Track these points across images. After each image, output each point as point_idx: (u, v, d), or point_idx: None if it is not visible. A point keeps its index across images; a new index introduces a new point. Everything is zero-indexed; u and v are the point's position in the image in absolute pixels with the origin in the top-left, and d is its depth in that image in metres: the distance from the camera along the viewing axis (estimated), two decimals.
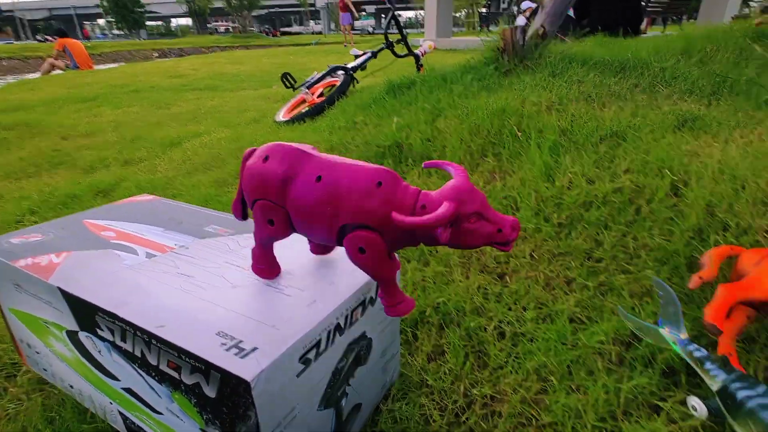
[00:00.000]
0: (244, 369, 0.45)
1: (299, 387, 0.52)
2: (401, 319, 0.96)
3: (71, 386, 0.79)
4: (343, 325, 0.58)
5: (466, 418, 0.75)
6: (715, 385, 0.68)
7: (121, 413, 0.72)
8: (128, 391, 0.67)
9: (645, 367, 0.79)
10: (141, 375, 0.61)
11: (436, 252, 1.15)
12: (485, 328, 0.92)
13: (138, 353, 0.57)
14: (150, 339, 0.53)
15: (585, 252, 1.05)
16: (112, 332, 0.59)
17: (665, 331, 0.77)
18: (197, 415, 0.55)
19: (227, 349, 0.48)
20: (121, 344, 0.59)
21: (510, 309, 0.96)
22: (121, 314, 0.56)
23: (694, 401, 0.70)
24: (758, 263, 0.76)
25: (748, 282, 0.74)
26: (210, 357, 0.48)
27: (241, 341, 0.50)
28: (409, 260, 1.14)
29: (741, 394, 0.64)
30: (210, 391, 0.50)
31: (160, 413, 0.63)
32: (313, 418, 0.57)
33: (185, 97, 4.32)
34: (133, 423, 0.71)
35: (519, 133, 1.52)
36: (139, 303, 0.59)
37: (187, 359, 0.50)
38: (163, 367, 0.55)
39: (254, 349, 0.48)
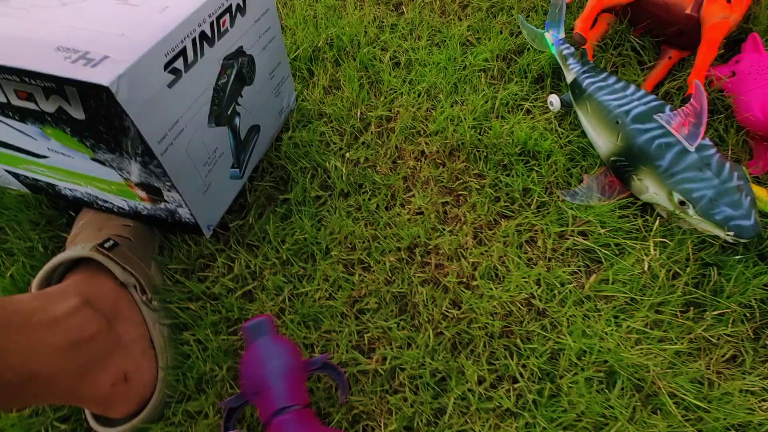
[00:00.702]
0: (98, 76, 0.43)
1: (176, 98, 0.51)
2: (296, 56, 0.93)
3: None
4: (210, 34, 0.54)
5: (364, 139, 0.83)
6: (570, 77, 0.78)
7: (9, 171, 0.70)
8: (3, 145, 0.63)
9: (520, 77, 0.87)
10: (2, 122, 0.56)
11: None
12: (381, 59, 0.92)
13: None
14: None
15: None
16: None
17: (548, 35, 0.82)
18: (80, 144, 0.54)
19: (73, 62, 0.44)
20: None
21: (405, 39, 0.95)
22: None
23: (551, 98, 0.81)
24: None
25: None
26: (56, 70, 0.44)
27: (87, 52, 0.45)
28: None
29: (586, 82, 0.75)
30: (76, 113, 0.48)
31: (45, 156, 0.61)
32: (206, 133, 0.59)
33: None
34: (27, 177, 0.70)
35: None
36: None
37: (33, 81, 0.46)
38: (15, 100, 0.50)
39: (105, 57, 0.45)
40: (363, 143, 0.82)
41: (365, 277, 0.68)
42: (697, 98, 0.64)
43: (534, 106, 0.83)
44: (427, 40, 0.94)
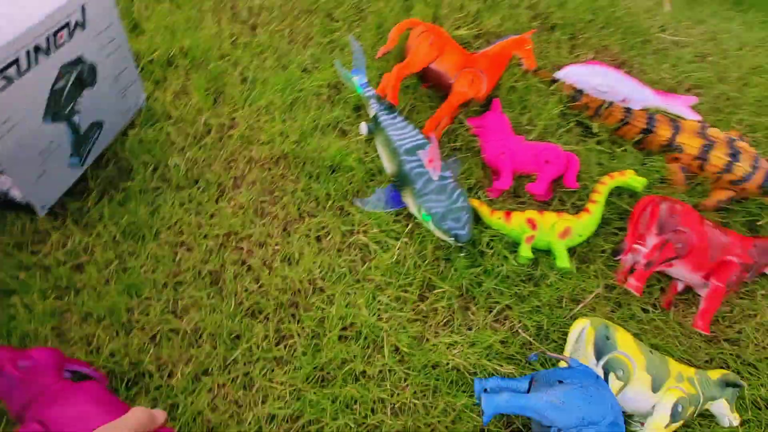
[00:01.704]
0: None
1: (8, 100, 0.62)
2: (151, 59, 1.04)
3: None
4: (45, 46, 0.66)
5: (204, 142, 0.98)
6: (371, 113, 1.02)
7: None
8: None
9: (343, 105, 1.09)
10: None
11: None
12: (230, 73, 1.08)
13: None
14: None
15: (328, 12, 1.20)
16: None
17: (355, 79, 1.05)
18: None
19: None
20: None
21: (255, 57, 1.12)
22: None
23: (362, 125, 1.04)
24: (418, 36, 1.01)
25: (407, 60, 1.01)
26: None
27: None
28: (160, 1, 1.13)
29: (381, 118, 0.99)
30: None
31: None
32: (42, 128, 0.70)
33: None
34: None
35: None
36: None
37: None
38: None
39: None
40: (203, 145, 0.97)
41: (187, 256, 0.84)
42: (434, 145, 0.91)
43: (350, 129, 1.06)
44: (274, 62, 1.11)
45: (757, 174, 0.94)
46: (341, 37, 1.17)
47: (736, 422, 0.82)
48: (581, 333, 0.83)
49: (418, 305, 0.87)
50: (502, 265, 0.91)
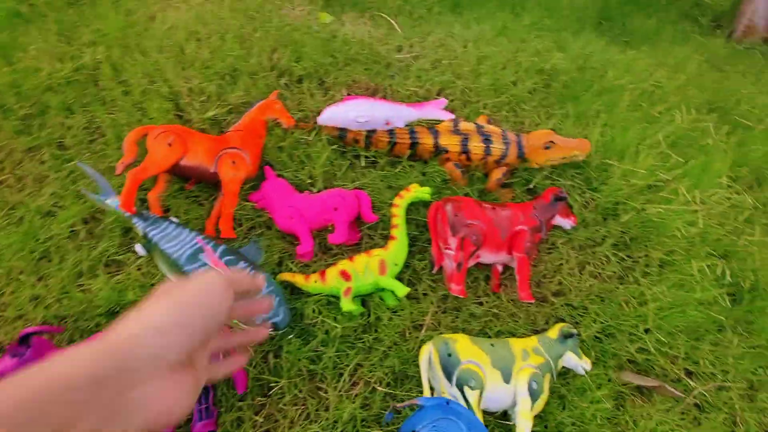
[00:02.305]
0: None
1: None
2: None
3: None
4: None
5: None
6: (139, 232, 0.90)
7: None
8: None
9: (110, 233, 0.96)
10: None
11: None
12: None
13: None
14: None
15: (56, 141, 1.06)
16: None
17: (109, 201, 0.92)
18: None
19: None
20: None
21: None
22: None
23: (137, 247, 0.92)
24: (155, 138, 0.92)
25: (143, 165, 0.90)
26: None
27: None
28: None
29: (151, 234, 0.88)
30: None
31: None
32: None
33: None
34: None
35: None
36: None
37: None
38: None
39: None
40: None
41: None
42: (207, 250, 0.84)
43: (124, 259, 0.92)
44: (3, 219, 0.93)
45: (511, 148, 1.05)
46: (76, 157, 1.03)
47: (588, 366, 0.87)
48: (429, 359, 0.82)
49: (255, 420, 0.77)
50: (337, 327, 0.86)
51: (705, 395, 0.89)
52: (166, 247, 0.86)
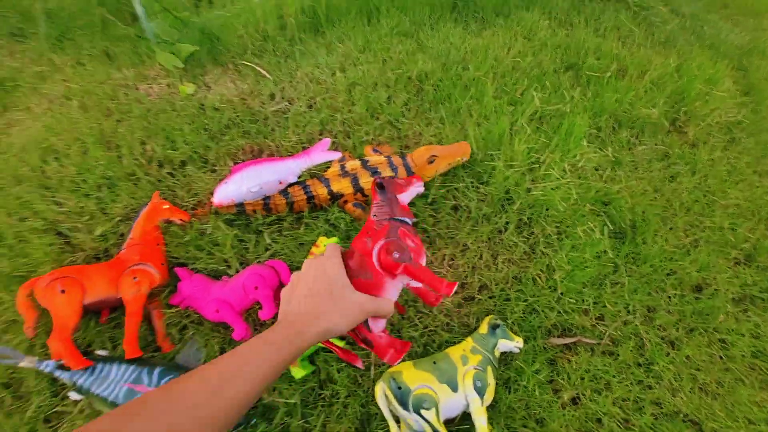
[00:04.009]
0: None
1: None
2: None
3: None
4: None
5: None
6: (69, 383, 0.88)
7: None
8: None
9: (37, 389, 0.92)
10: None
11: None
12: None
13: None
14: None
15: None
16: None
17: (24, 363, 0.88)
18: None
19: None
20: None
21: None
22: None
23: (71, 394, 0.90)
24: (44, 290, 0.88)
25: (56, 325, 0.86)
26: None
27: None
28: None
29: (80, 382, 0.87)
30: None
31: None
32: None
33: None
34: None
35: None
36: None
37: None
38: None
39: None
40: None
41: None
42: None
43: (65, 407, 0.90)
44: None
45: (399, 172, 1.12)
46: None
47: (521, 344, 0.98)
48: (384, 395, 0.89)
49: None
50: (293, 396, 0.91)
51: (614, 333, 1.05)
52: (101, 390, 0.85)
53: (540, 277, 1.10)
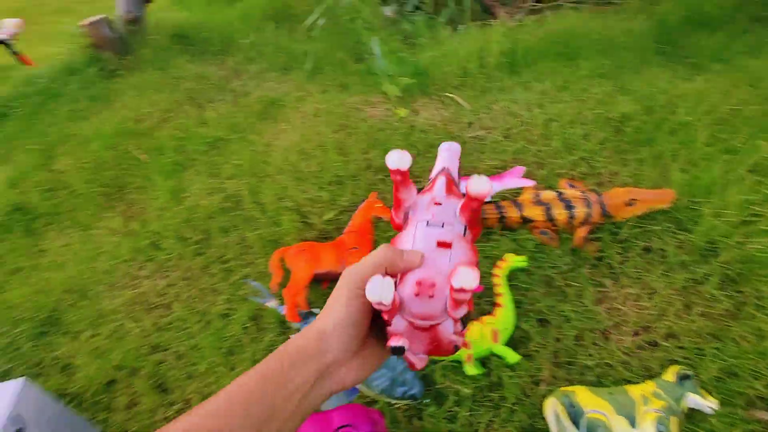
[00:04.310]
0: None
1: None
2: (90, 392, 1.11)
3: None
4: None
5: None
6: (284, 324, 1.14)
7: None
8: None
9: (271, 327, 1.21)
10: None
11: None
12: (167, 360, 1.17)
13: None
14: None
15: (220, 258, 1.37)
16: None
17: (270, 304, 1.18)
18: None
19: None
20: None
21: (179, 333, 1.23)
22: None
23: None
24: (293, 257, 1.19)
25: (290, 283, 1.14)
26: None
27: None
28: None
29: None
30: None
31: None
32: None
33: None
34: None
35: (144, 156, 1.64)
36: None
37: None
38: None
39: None
40: None
41: None
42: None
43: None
44: (198, 324, 1.23)
45: (594, 208, 1.16)
46: (241, 274, 1.33)
47: (716, 405, 0.91)
48: (555, 412, 0.92)
49: None
50: (466, 389, 1.00)
51: None
52: None
53: (746, 340, 1.00)
